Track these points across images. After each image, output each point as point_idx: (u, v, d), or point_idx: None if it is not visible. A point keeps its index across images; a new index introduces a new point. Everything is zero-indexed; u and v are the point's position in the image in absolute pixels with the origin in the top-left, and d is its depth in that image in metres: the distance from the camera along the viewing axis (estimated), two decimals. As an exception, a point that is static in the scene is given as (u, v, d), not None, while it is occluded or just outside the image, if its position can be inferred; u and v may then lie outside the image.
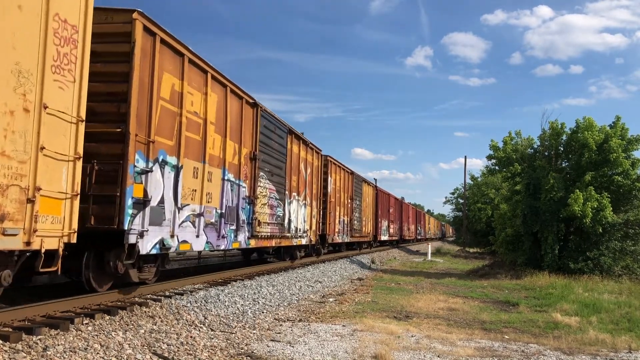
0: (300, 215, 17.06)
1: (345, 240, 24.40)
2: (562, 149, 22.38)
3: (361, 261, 25.15)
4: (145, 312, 7.96)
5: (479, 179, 50.61)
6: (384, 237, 36.31)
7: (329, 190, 20.65)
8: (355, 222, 26.23)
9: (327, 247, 22.29)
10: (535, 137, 23.79)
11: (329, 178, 20.74)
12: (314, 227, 18.88)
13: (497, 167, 25.20)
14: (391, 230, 39.33)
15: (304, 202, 17.41)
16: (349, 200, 24.59)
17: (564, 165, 22.76)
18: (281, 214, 15.00)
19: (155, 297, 9.09)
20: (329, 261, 21.43)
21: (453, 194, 72.75)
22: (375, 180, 34.86)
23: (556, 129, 22.00)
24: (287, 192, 15.44)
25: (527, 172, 22.14)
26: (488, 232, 39.77)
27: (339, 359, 7.01)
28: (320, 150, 19.70)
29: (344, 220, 23.57)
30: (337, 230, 22.19)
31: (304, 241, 17.65)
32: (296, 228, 16.63)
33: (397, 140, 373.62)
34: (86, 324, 6.79)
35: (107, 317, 7.24)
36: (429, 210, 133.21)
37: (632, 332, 9.85)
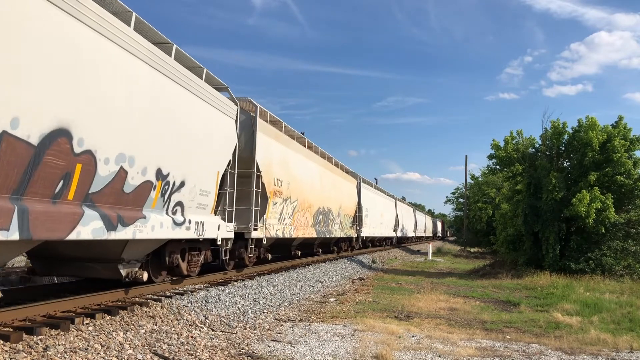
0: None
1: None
2: (563, 148, 22.33)
3: (362, 261, 25.13)
4: (145, 312, 7.96)
5: (480, 179, 50.54)
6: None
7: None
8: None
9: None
10: (536, 136, 23.77)
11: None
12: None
13: (498, 167, 25.15)
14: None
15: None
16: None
17: (565, 164, 22.71)
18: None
19: (155, 297, 9.09)
20: (329, 261, 21.43)
21: (454, 193, 72.71)
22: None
23: (558, 128, 21.94)
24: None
25: (528, 172, 22.10)
26: (489, 231, 39.70)
27: (339, 359, 7.00)
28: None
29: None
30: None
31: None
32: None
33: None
34: (87, 324, 6.79)
35: (108, 317, 7.24)
36: (429, 210, 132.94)
37: (633, 331, 9.83)
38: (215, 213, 10.81)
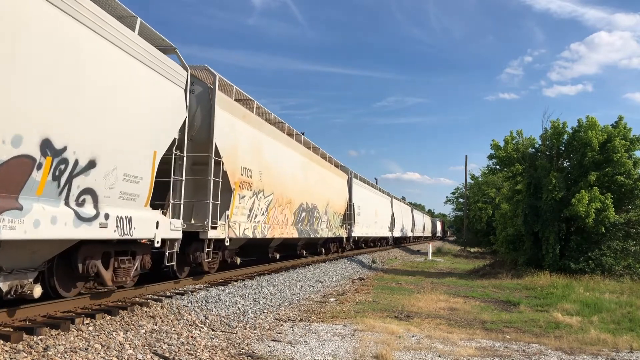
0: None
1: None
2: (563, 148, 22.33)
3: (362, 261, 25.13)
4: (146, 312, 7.96)
5: (480, 179, 50.53)
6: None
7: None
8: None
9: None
10: (536, 136, 23.76)
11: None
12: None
13: (498, 167, 25.14)
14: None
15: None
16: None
17: (565, 164, 22.71)
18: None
19: (156, 297, 9.10)
20: (330, 261, 21.43)
21: (454, 193, 72.72)
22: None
23: (558, 128, 21.94)
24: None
25: (528, 172, 22.10)
26: (489, 231, 39.71)
27: (339, 359, 7.01)
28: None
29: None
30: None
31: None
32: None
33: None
34: (87, 324, 6.79)
35: (108, 317, 7.25)
36: (429, 210, 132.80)
37: (633, 331, 9.83)
38: (161, 207, 8.79)
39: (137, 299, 8.80)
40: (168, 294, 9.53)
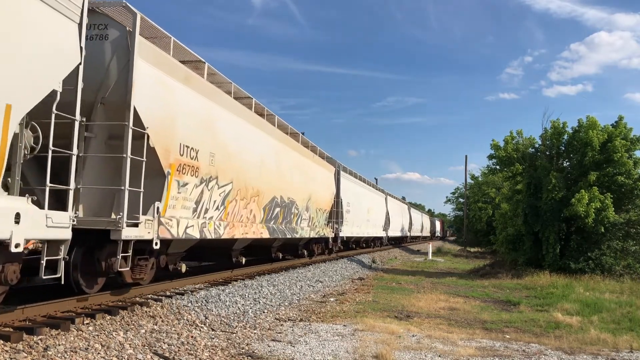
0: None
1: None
2: (563, 148, 22.34)
3: (362, 261, 25.13)
4: (146, 312, 7.96)
5: (480, 179, 50.55)
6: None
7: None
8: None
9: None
10: (536, 136, 23.77)
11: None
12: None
13: (498, 167, 25.15)
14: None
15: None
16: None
17: (565, 164, 22.71)
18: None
19: (156, 297, 9.10)
20: (330, 261, 21.43)
21: (454, 193, 72.75)
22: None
23: (558, 128, 21.96)
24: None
25: (528, 172, 22.11)
26: (489, 231, 39.73)
27: (340, 359, 7.01)
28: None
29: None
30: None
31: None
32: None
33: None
34: (87, 324, 6.79)
35: (108, 317, 7.25)
36: (429, 210, 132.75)
37: (633, 331, 9.83)
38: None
39: (137, 298, 8.80)
40: (168, 293, 9.54)
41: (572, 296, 14.25)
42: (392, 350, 7.35)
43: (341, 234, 22.89)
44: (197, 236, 9.63)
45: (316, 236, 19.08)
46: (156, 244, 8.19)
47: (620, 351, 8.24)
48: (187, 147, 8.98)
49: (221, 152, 10.33)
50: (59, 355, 5.49)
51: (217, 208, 10.48)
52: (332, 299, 12.76)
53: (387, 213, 36.97)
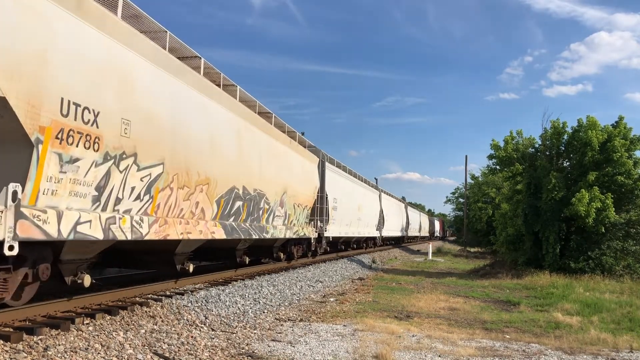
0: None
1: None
2: (563, 148, 22.35)
3: (362, 261, 25.13)
4: (146, 312, 7.96)
5: (480, 179, 50.56)
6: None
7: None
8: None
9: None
10: (536, 136, 23.78)
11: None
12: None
13: (498, 167, 25.15)
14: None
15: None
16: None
17: (565, 164, 22.72)
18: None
19: (156, 297, 9.10)
20: (330, 261, 21.43)
21: (454, 193, 72.77)
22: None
23: (558, 128, 21.96)
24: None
25: (528, 172, 22.10)
26: (489, 231, 39.73)
27: (340, 359, 7.01)
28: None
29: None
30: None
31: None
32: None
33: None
34: (87, 324, 6.79)
35: (108, 317, 7.25)
36: (429, 210, 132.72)
37: (633, 331, 9.83)
38: None
39: (137, 298, 8.80)
40: (168, 293, 9.53)
41: (572, 296, 14.25)
42: (392, 351, 7.35)
43: (326, 234, 20.32)
44: (99, 236, 6.79)
45: (294, 236, 16.35)
46: (11, 247, 5.46)
47: (620, 351, 8.24)
48: (77, 105, 6.23)
49: (142, 119, 7.52)
50: (59, 355, 5.49)
51: (138, 198, 7.61)
52: (332, 299, 12.75)
53: (381, 211, 34.68)
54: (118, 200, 7.25)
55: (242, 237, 11.94)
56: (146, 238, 7.87)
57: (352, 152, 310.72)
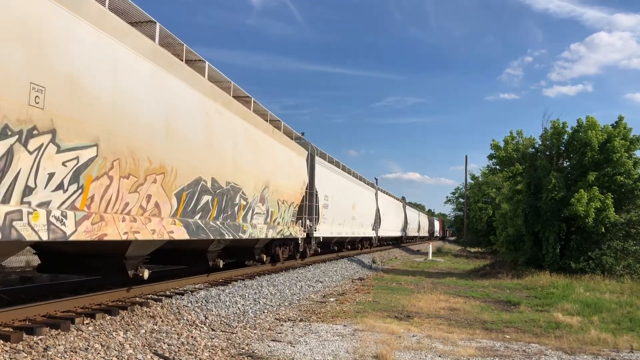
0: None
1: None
2: (563, 148, 22.36)
3: (362, 261, 25.12)
4: (146, 312, 7.96)
5: (480, 179, 50.59)
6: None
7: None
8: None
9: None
10: (536, 137, 23.79)
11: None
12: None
13: (498, 167, 25.17)
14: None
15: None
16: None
17: (565, 164, 22.72)
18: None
19: (156, 297, 9.10)
20: (330, 261, 21.42)
21: (454, 193, 72.79)
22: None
23: (558, 128, 21.97)
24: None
25: (528, 172, 22.11)
26: (489, 231, 39.75)
27: (340, 359, 7.00)
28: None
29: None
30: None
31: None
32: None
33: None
34: (87, 323, 6.79)
35: (108, 317, 7.25)
36: (429, 210, 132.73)
37: (633, 331, 9.83)
38: None
39: (137, 298, 8.80)
40: (168, 293, 9.53)
41: (573, 296, 14.25)
42: (392, 351, 7.35)
43: (317, 234, 18.79)
44: None
45: (279, 236, 14.69)
46: None
47: (620, 351, 8.24)
48: None
49: (63, 87, 5.94)
50: (59, 355, 5.49)
51: (60, 188, 6.05)
52: (332, 299, 12.75)
53: (378, 210, 33.03)
54: (28, 190, 5.54)
55: (212, 237, 10.13)
56: (72, 239, 6.16)
57: (351, 152, 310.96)
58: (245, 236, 11.80)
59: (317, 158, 18.97)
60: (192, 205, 9.24)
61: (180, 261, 11.92)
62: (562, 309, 12.16)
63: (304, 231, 17.31)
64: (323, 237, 20.01)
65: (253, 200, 12.25)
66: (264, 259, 14.70)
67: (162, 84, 8.16)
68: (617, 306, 12.62)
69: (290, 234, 15.77)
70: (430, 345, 7.96)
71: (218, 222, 10.42)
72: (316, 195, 18.45)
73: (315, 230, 18.36)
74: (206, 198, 9.77)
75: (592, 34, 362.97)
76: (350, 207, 25.00)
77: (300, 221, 17.02)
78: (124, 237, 7.21)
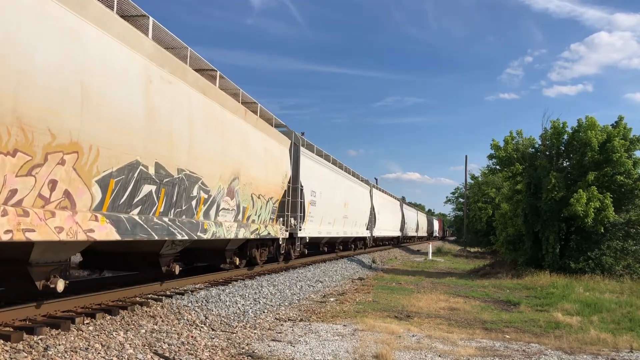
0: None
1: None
2: (563, 148, 22.35)
3: (362, 261, 25.13)
4: (146, 311, 7.96)
5: (480, 179, 50.59)
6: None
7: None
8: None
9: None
10: (536, 136, 23.78)
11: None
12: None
13: (498, 167, 25.16)
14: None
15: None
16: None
17: (565, 164, 22.72)
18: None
19: (156, 296, 9.10)
20: (330, 261, 21.42)
21: (454, 193, 72.82)
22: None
23: (558, 128, 21.96)
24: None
25: (528, 172, 22.10)
26: (489, 231, 39.74)
27: (340, 359, 7.01)
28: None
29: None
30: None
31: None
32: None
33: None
34: (87, 323, 6.80)
35: (108, 317, 7.25)
36: (429, 210, 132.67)
37: (633, 331, 9.83)
38: None
39: (137, 298, 8.80)
40: (168, 293, 9.54)
41: (572, 296, 14.26)
42: (392, 350, 7.36)
43: (302, 234, 16.99)
44: None
45: (254, 237, 12.61)
46: None
47: (620, 351, 8.25)
48: None
49: None
50: (59, 355, 5.49)
51: None
52: (332, 299, 12.76)
53: (373, 208, 31.06)
54: None
55: (156, 237, 8.02)
56: None
57: (351, 152, 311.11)
58: (206, 236, 9.78)
59: (302, 149, 17.09)
60: (125, 196, 7.28)
61: (127, 266, 10.01)
62: (561, 309, 12.17)
63: (287, 231, 15.51)
64: (310, 237, 18.30)
65: (218, 193, 10.23)
66: (237, 263, 12.90)
67: (78, 34, 6.18)
68: (617, 306, 12.62)
69: (269, 233, 13.77)
70: (430, 345, 7.96)
71: (166, 219, 8.37)
72: (301, 190, 16.75)
73: (300, 230, 16.66)
74: (148, 188, 7.80)
75: (592, 33, 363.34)
76: (341, 205, 23.26)
77: (282, 219, 15.28)
78: (6, 238, 5.18)
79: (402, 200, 50.71)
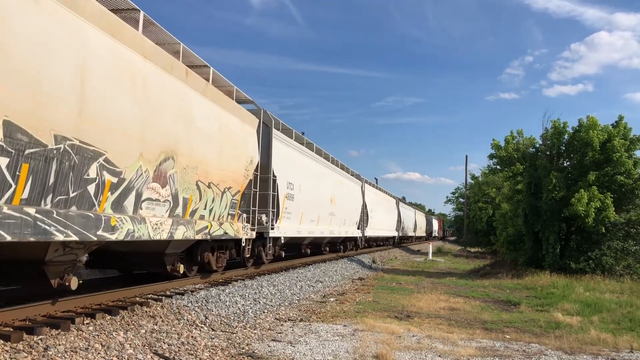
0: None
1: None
2: (563, 148, 22.34)
3: (362, 261, 25.13)
4: (146, 311, 7.96)
5: (480, 178, 50.57)
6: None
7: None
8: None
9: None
10: (536, 136, 23.78)
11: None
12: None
13: (498, 167, 25.15)
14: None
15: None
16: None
17: (565, 164, 22.71)
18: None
19: (156, 296, 9.10)
20: (330, 261, 21.42)
21: (454, 193, 72.80)
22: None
23: (558, 127, 21.95)
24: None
25: (529, 172, 22.10)
26: (489, 231, 39.73)
27: (340, 359, 7.01)
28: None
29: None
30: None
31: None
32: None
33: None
34: (87, 323, 6.79)
35: (108, 317, 7.25)
36: (429, 210, 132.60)
37: (633, 331, 9.83)
38: None
39: (137, 298, 8.80)
40: (168, 293, 9.54)
41: (573, 296, 14.25)
42: (392, 350, 7.35)
43: (276, 233, 14.33)
44: None
45: (202, 237, 9.90)
46: None
47: (620, 351, 8.24)
48: None
49: None
50: (59, 355, 5.49)
51: None
52: (332, 299, 12.76)
53: (365, 206, 28.42)
54: None
55: (8, 238, 5.19)
56: None
57: (352, 152, 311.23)
58: (116, 236, 7.04)
59: (275, 132, 14.22)
60: None
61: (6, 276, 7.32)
62: (562, 309, 12.17)
63: (253, 230, 12.80)
64: (287, 238, 15.49)
65: (137, 177, 7.55)
66: (180, 270, 10.14)
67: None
68: (617, 306, 12.62)
69: (226, 232, 11.01)
70: (430, 345, 7.96)
71: (32, 210, 5.54)
72: (274, 181, 14.00)
73: (273, 229, 13.94)
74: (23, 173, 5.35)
75: (592, 33, 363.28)
76: (327, 201, 20.35)
77: (245, 216, 12.44)
78: None
79: (399, 199, 47.52)
